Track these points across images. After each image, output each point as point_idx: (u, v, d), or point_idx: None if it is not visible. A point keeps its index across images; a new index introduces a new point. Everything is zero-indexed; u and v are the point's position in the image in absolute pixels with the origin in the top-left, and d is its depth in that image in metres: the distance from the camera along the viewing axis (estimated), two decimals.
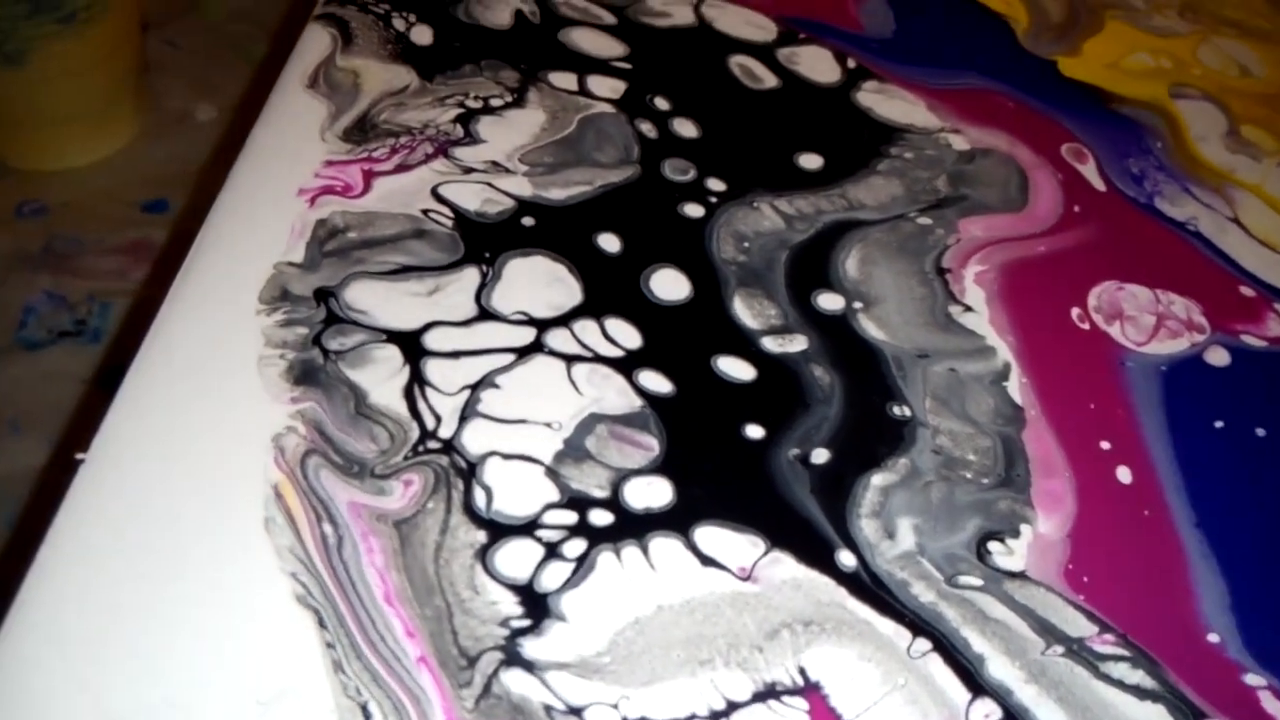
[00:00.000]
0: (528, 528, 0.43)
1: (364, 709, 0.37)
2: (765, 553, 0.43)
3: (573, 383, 0.47)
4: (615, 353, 0.49)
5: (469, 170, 0.54)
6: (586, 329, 0.49)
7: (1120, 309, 0.56)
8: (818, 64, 0.65)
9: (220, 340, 0.46)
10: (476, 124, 0.57)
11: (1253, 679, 0.43)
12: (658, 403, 0.47)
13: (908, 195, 0.59)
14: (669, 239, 0.54)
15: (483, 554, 0.41)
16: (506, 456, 0.44)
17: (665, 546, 0.43)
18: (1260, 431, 0.52)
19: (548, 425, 0.46)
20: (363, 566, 0.40)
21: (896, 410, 0.49)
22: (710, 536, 0.44)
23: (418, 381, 0.46)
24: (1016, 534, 0.46)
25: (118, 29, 1.25)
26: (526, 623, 0.40)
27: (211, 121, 1.38)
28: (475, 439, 0.45)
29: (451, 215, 0.52)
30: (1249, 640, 0.44)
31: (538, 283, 0.51)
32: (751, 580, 0.43)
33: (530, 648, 0.40)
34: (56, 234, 1.23)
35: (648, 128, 0.59)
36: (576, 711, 0.39)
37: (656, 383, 0.48)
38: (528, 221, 0.53)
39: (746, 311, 0.52)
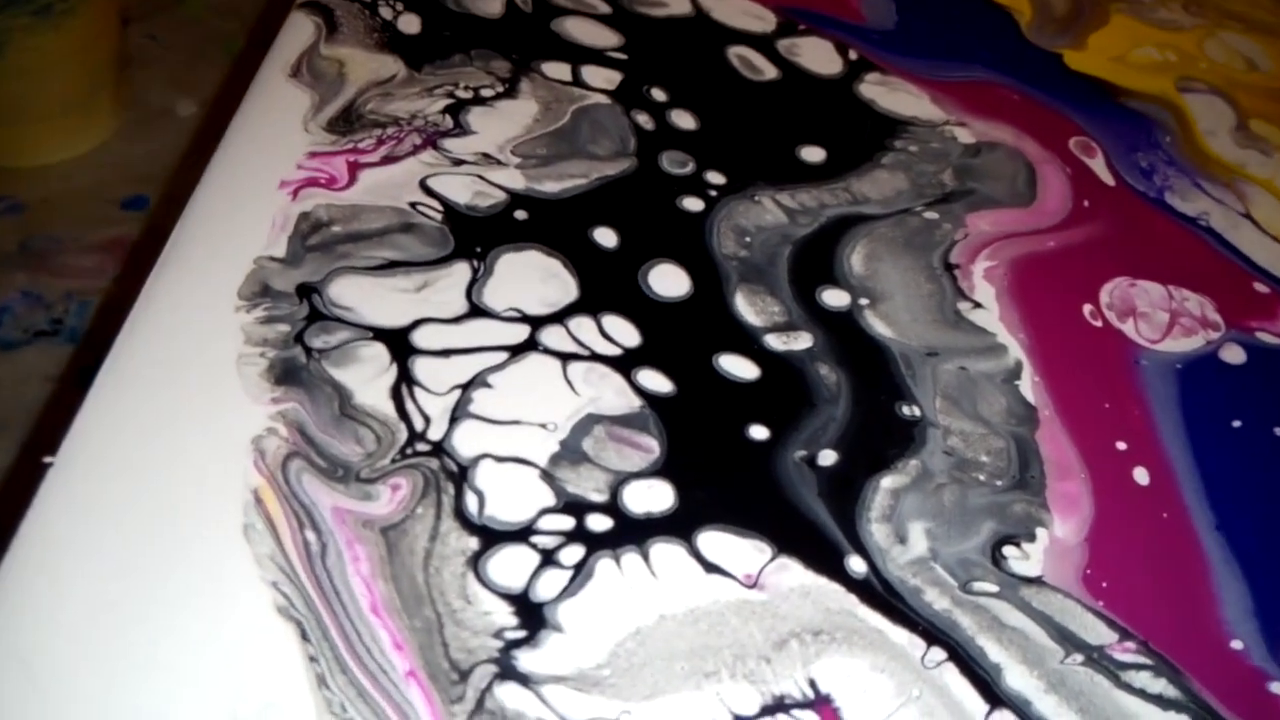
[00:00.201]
0: (522, 534, 0.40)
1: None
2: (772, 559, 0.41)
3: (569, 382, 0.45)
4: (613, 351, 0.47)
5: (459, 162, 0.52)
6: (583, 326, 0.47)
7: (1133, 305, 0.54)
8: (818, 55, 0.63)
9: (198, 338, 0.43)
10: (466, 115, 0.54)
11: (1278, 688, 0.42)
12: (658, 403, 0.45)
13: (913, 189, 0.57)
14: (668, 233, 0.52)
15: (475, 562, 0.39)
16: (499, 459, 0.42)
17: (667, 553, 0.41)
18: (1279, 431, 0.50)
19: (543, 426, 0.44)
20: (348, 575, 0.38)
21: (906, 410, 0.47)
22: (714, 542, 0.42)
23: (406, 381, 0.44)
24: (1032, 538, 0.44)
25: (96, 22, 1.23)
26: (521, 634, 0.38)
27: (193, 117, 1.36)
28: (466, 441, 0.43)
29: (441, 208, 0.50)
30: (1274, 647, 0.43)
31: (531, 278, 0.48)
32: (758, 588, 0.41)
33: (525, 660, 0.37)
34: (33, 232, 1.20)
35: (644, 119, 0.57)
36: None
37: (656, 382, 0.46)
38: (520, 215, 0.51)
39: (749, 308, 0.50)
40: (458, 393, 0.44)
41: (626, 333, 0.47)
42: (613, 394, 0.45)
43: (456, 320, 0.46)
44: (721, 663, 0.39)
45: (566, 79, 0.58)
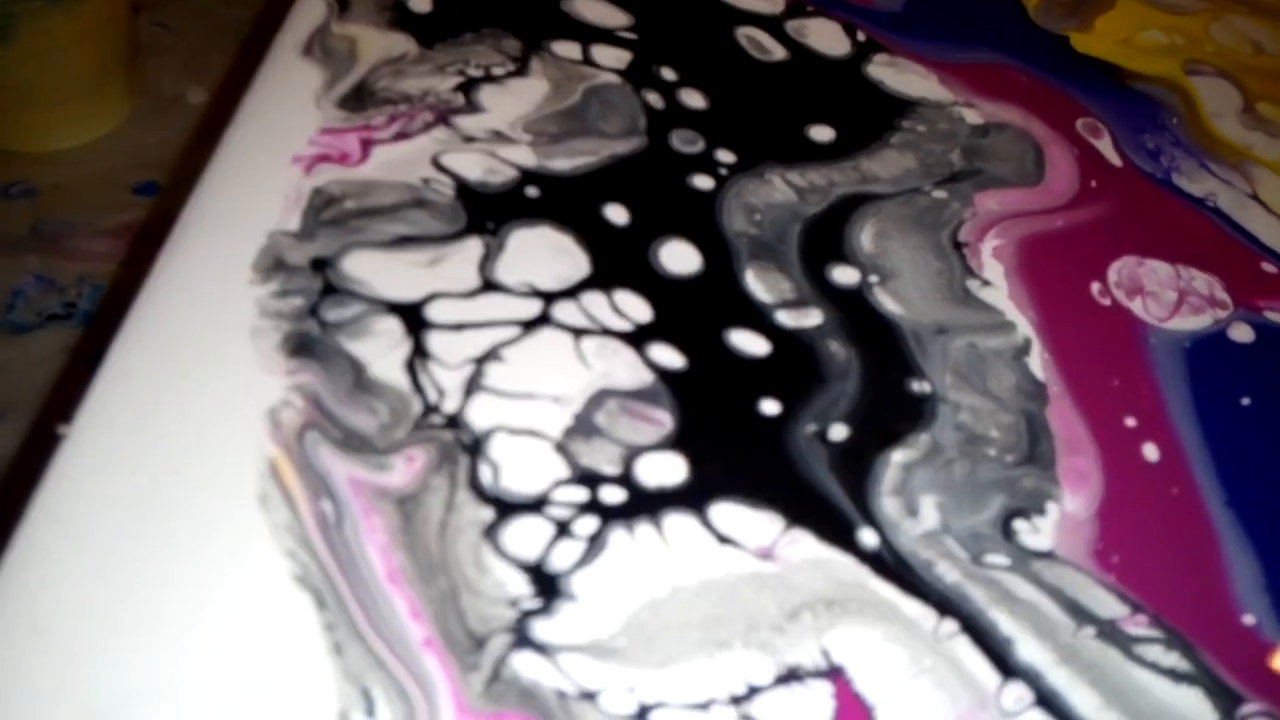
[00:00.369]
0: (536, 505, 0.41)
1: (366, 694, 0.35)
2: (784, 531, 0.42)
3: (581, 356, 0.45)
4: (625, 326, 0.47)
5: (470, 139, 0.52)
6: (594, 302, 0.47)
7: (1141, 284, 0.54)
8: (826, 36, 0.63)
9: (212, 311, 0.44)
10: (478, 92, 0.54)
11: None
12: (669, 377, 0.45)
13: (922, 168, 0.57)
14: (678, 211, 0.52)
15: (490, 532, 0.40)
16: (513, 432, 0.42)
17: (680, 524, 0.41)
18: None
19: (556, 400, 0.44)
20: (364, 545, 0.38)
21: (916, 386, 0.47)
22: (727, 514, 0.42)
23: (420, 354, 0.44)
24: (1043, 512, 0.44)
25: (106, 7, 1.22)
26: (537, 603, 0.38)
27: (204, 104, 1.36)
28: (480, 413, 0.43)
29: (453, 185, 0.50)
30: None
31: (543, 254, 0.49)
32: (770, 559, 0.41)
33: (541, 629, 0.38)
34: (45, 216, 1.20)
35: (654, 98, 0.57)
36: (590, 696, 0.37)
37: (668, 357, 0.46)
38: (532, 192, 0.51)
39: (759, 285, 0.50)
40: (471, 366, 0.44)
41: (638, 308, 0.47)
42: (624, 368, 0.45)
43: (470, 295, 0.46)
44: (734, 633, 0.39)
45: (577, 58, 0.58)
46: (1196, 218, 0.59)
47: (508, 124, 0.53)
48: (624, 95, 0.57)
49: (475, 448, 0.42)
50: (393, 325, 0.44)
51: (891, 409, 0.46)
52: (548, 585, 0.39)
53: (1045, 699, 0.39)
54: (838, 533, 0.42)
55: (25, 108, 1.24)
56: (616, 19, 0.61)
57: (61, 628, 0.36)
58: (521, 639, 0.37)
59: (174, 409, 0.40)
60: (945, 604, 0.41)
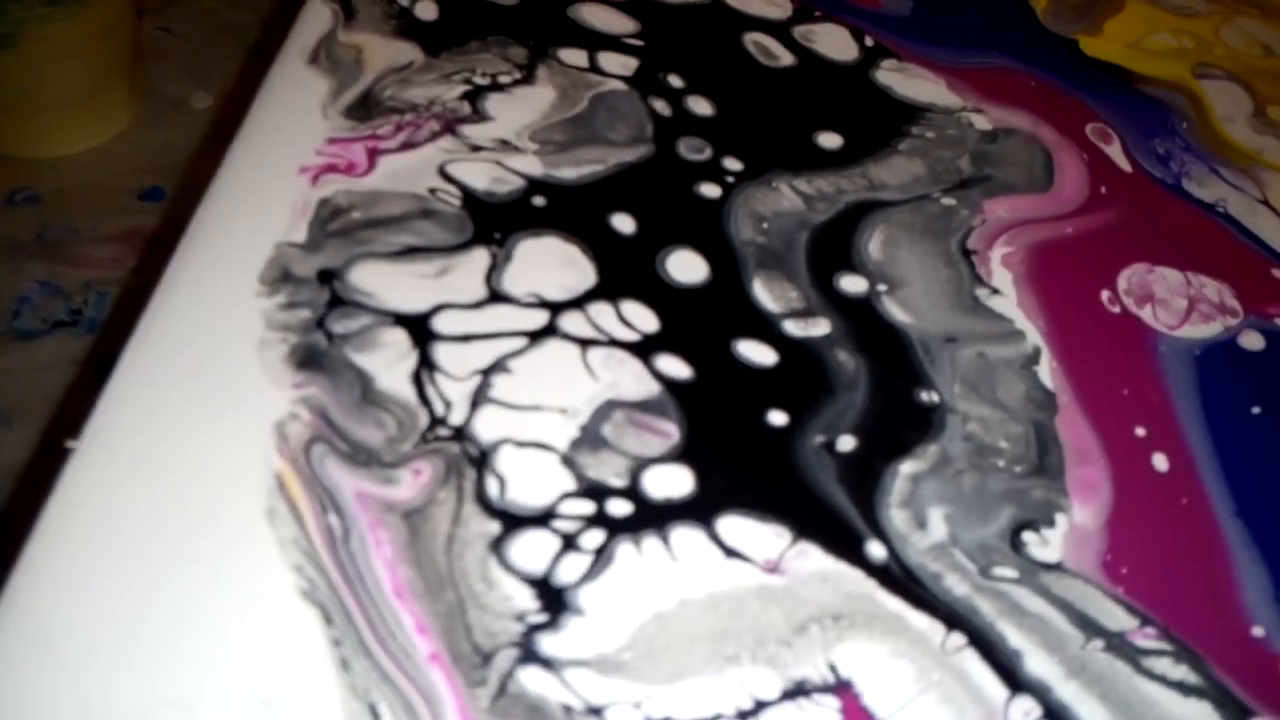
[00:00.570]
0: (543, 518, 0.41)
1: (373, 709, 0.35)
2: (791, 544, 0.42)
3: (588, 367, 0.45)
4: (632, 336, 0.47)
5: (477, 148, 0.52)
6: (601, 312, 0.47)
7: (1151, 292, 0.54)
8: (834, 42, 0.63)
9: (219, 323, 0.44)
10: (484, 101, 0.54)
11: None
12: (676, 388, 0.45)
13: (930, 175, 0.57)
14: (685, 219, 0.52)
15: (497, 545, 0.39)
16: (520, 444, 0.42)
17: (687, 537, 0.41)
18: None
19: (562, 411, 0.44)
20: (371, 559, 0.38)
21: (924, 396, 0.47)
22: (734, 527, 0.42)
23: (426, 366, 0.44)
24: (1052, 524, 0.44)
25: (110, 12, 1.22)
26: (543, 618, 0.38)
27: (208, 109, 1.36)
28: (487, 426, 0.43)
29: (460, 194, 0.50)
30: None
31: (550, 264, 0.48)
32: (778, 572, 0.41)
33: (548, 644, 0.38)
34: (50, 222, 1.21)
35: (661, 105, 0.57)
36: (597, 711, 0.37)
37: (675, 367, 0.46)
38: (539, 201, 0.51)
39: (767, 294, 0.50)
40: (478, 378, 0.44)
41: (645, 318, 0.47)
42: (631, 379, 0.45)
43: (476, 306, 0.46)
44: (742, 646, 0.39)
45: (583, 65, 0.58)
46: (1207, 224, 0.59)
47: (514, 133, 0.53)
48: (631, 103, 0.56)
49: (482, 460, 0.42)
50: (400, 337, 0.44)
51: (900, 419, 0.46)
52: (554, 599, 0.39)
53: (1054, 712, 0.39)
54: (846, 545, 0.42)
55: (29, 113, 1.25)
56: (623, 25, 0.61)
57: (69, 641, 0.36)
58: (528, 653, 0.37)
59: (181, 424, 0.40)
60: (953, 617, 0.41)
